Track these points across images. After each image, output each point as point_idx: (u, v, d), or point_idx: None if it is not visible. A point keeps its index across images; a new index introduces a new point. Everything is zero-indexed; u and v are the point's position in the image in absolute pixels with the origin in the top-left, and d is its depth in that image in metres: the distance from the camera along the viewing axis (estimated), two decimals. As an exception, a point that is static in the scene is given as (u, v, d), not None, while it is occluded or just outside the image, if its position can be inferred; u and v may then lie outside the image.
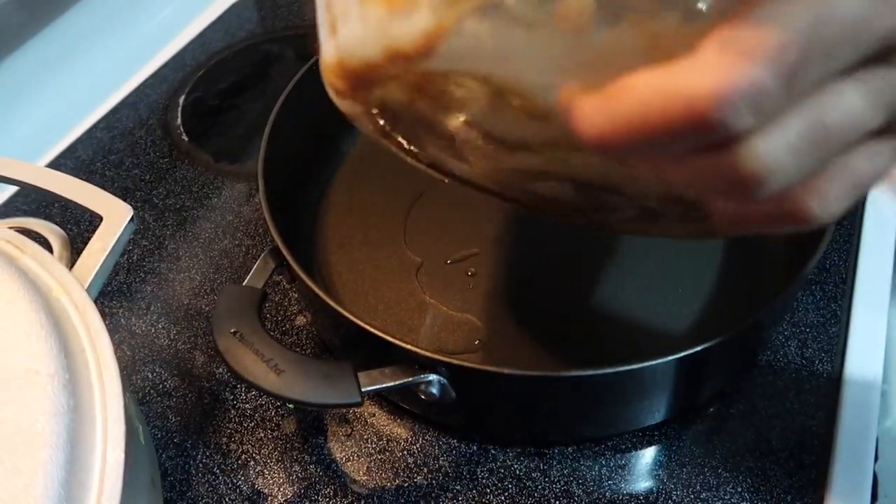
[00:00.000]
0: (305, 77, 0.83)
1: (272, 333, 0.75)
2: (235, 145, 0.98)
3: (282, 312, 0.77)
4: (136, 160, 0.95)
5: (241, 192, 0.91)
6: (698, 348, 0.55)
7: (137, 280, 0.81)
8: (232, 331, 0.56)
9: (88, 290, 0.52)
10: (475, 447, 0.66)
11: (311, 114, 0.88)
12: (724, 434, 0.65)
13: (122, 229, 0.57)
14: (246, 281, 0.62)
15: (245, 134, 0.99)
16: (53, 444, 0.40)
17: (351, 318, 0.57)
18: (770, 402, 0.67)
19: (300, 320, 0.76)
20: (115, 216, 0.57)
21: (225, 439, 0.68)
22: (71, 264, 0.55)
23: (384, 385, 0.55)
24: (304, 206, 0.84)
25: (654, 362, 0.54)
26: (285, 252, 0.62)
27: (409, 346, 0.55)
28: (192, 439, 0.68)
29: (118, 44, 1.10)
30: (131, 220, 0.58)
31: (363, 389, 0.54)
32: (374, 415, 0.68)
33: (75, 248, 0.58)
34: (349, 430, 0.67)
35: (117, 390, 0.44)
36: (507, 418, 0.64)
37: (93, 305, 0.49)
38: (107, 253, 0.55)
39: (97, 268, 0.54)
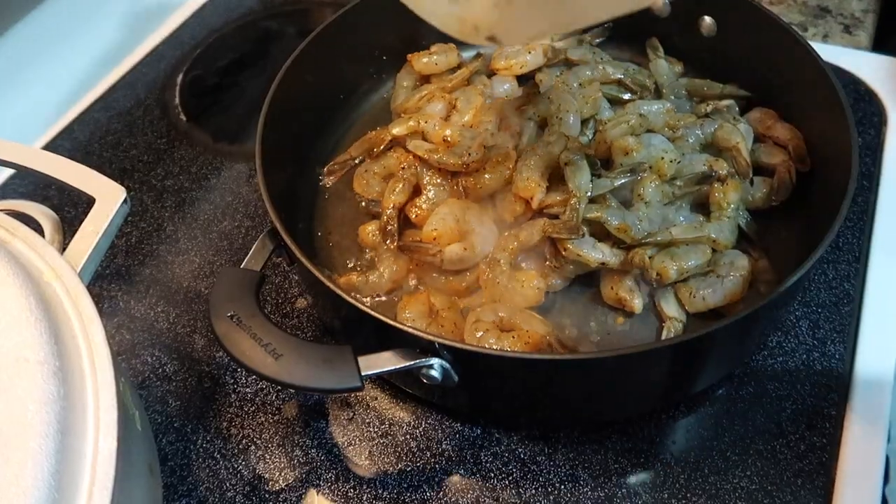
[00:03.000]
0: (303, 53, 0.81)
1: (272, 317, 0.74)
2: (235, 125, 0.96)
3: (282, 295, 0.76)
4: (134, 141, 0.94)
5: (241, 173, 0.89)
6: (701, 333, 0.54)
7: (136, 263, 0.80)
8: (229, 314, 0.55)
9: (81, 275, 0.50)
10: (479, 431, 0.65)
11: (311, 90, 0.87)
12: (733, 416, 0.64)
13: (115, 211, 0.55)
14: (244, 263, 0.60)
15: (245, 113, 0.97)
16: (44, 433, 0.39)
17: (350, 300, 0.56)
18: (780, 384, 0.65)
19: (301, 303, 0.75)
20: (108, 198, 0.56)
21: (225, 424, 0.67)
22: (64, 248, 0.54)
23: (385, 369, 0.54)
24: (304, 185, 0.82)
25: (655, 346, 0.53)
26: (283, 233, 0.61)
27: (409, 329, 0.54)
28: (192, 424, 0.67)
29: (115, 22, 1.08)
30: (125, 201, 0.57)
31: (363, 374, 0.53)
32: (375, 398, 0.67)
33: (72, 232, 0.57)
34: (351, 414, 0.66)
35: (109, 377, 0.43)
36: (511, 402, 0.62)
37: (84, 290, 0.48)
38: (99, 235, 0.54)
39: (90, 251, 0.53)
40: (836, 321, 0.69)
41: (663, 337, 0.66)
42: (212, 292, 0.57)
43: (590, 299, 0.70)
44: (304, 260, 0.58)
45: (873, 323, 0.69)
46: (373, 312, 0.55)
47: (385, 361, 0.54)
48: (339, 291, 0.56)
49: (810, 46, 0.74)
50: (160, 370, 0.71)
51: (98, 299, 0.78)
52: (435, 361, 0.54)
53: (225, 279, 0.58)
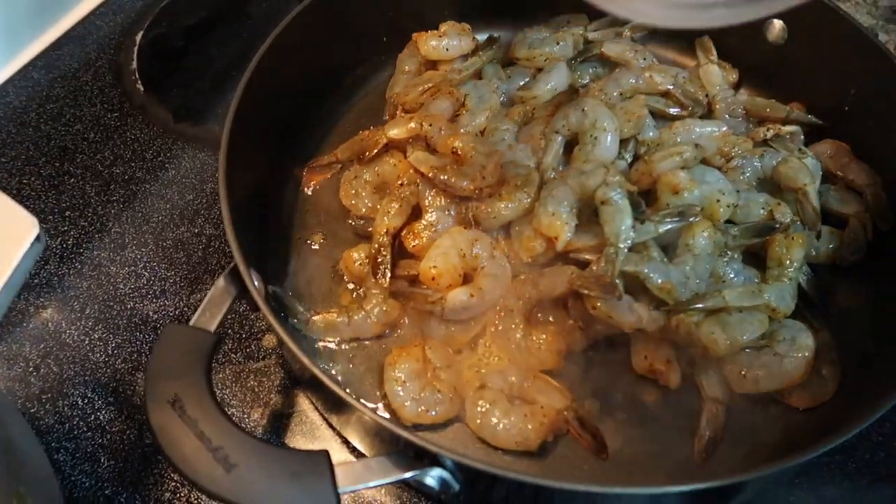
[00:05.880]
0: (293, 23, 0.66)
1: (233, 355, 0.61)
2: (201, 100, 0.80)
3: (247, 328, 0.63)
4: (79, 112, 0.78)
5: (205, 164, 0.75)
6: (755, 474, 0.44)
7: (72, 272, 0.66)
8: (170, 399, 0.42)
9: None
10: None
11: (298, 70, 0.70)
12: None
13: (20, 255, 0.41)
14: (195, 318, 0.47)
15: (213, 86, 0.81)
16: None
17: (333, 387, 0.43)
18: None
19: (269, 340, 0.62)
20: (13, 234, 0.42)
21: (168, 495, 0.55)
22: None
23: (371, 483, 0.42)
24: (281, 186, 0.68)
25: (692, 487, 0.43)
26: (250, 282, 0.48)
27: (408, 436, 0.42)
28: (126, 492, 0.55)
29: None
30: (37, 238, 0.43)
31: (341, 489, 0.41)
32: (353, 473, 0.56)
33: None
34: (322, 493, 0.55)
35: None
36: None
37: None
38: (-2, 290, 0.40)
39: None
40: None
41: (703, 423, 0.55)
42: (149, 362, 0.44)
43: (616, 363, 0.59)
44: (280, 330, 0.46)
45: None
46: (360, 406, 0.42)
47: (371, 472, 0.42)
48: (321, 375, 0.44)
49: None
50: (92, 417, 0.58)
51: (21, 315, 0.65)
52: (435, 472, 0.43)
53: (167, 344, 0.45)
